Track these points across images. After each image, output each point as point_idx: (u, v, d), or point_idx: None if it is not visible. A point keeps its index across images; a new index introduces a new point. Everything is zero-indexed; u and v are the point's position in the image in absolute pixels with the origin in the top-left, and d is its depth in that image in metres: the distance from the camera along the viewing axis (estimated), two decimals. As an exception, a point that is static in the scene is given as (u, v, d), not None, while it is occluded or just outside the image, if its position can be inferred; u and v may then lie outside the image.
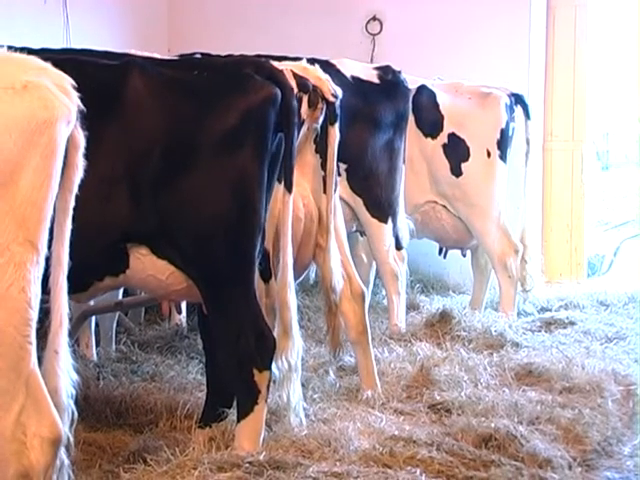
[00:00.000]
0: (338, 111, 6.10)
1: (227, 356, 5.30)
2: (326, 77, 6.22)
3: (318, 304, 8.55)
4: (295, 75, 6.11)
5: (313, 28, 10.31)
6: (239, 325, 5.15)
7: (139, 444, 5.36)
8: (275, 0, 10.72)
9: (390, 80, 7.77)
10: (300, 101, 6.09)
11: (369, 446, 5.23)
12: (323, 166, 6.19)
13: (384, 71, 7.82)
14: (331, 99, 6.13)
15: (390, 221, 7.83)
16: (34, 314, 3.78)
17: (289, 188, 5.37)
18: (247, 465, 4.83)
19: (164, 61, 5.57)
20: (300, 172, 6.25)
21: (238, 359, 5.19)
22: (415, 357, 7.09)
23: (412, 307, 8.74)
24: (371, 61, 9.63)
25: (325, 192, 6.20)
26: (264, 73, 5.26)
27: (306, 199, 6.29)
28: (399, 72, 7.84)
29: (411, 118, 8.20)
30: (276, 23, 10.47)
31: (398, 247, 7.97)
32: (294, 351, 5.41)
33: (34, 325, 3.78)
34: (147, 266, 5.09)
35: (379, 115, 7.61)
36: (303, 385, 6.44)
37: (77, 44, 9.25)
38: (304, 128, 6.16)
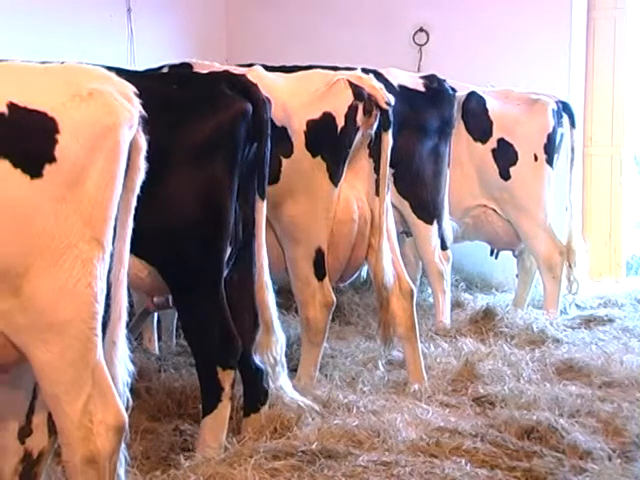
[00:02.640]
0: (391, 118, 6.10)
1: (193, 354, 5.33)
2: (380, 86, 6.25)
3: (367, 301, 8.55)
4: (351, 84, 6.13)
5: (362, 39, 10.32)
6: (205, 325, 5.14)
7: (195, 432, 5.36)
8: (327, 12, 10.72)
9: (435, 88, 7.75)
10: (356, 109, 6.12)
11: (416, 437, 5.21)
12: (376, 170, 6.20)
13: (429, 80, 7.80)
14: (385, 107, 6.16)
15: (435, 223, 7.81)
16: (100, 308, 3.79)
17: (262, 195, 5.34)
18: (300, 454, 4.82)
19: (144, 74, 5.58)
20: (355, 176, 6.28)
21: (203, 357, 5.20)
22: (460, 352, 7.06)
23: (457, 305, 8.69)
24: (418, 70, 9.60)
25: (378, 195, 6.20)
26: (237, 87, 5.26)
27: (360, 201, 6.31)
28: (444, 80, 7.83)
29: (461, 124, 8.18)
30: (327, 34, 10.48)
31: (443, 247, 7.95)
32: (277, 346, 5.41)
33: (100, 318, 3.80)
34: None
35: (425, 121, 7.60)
36: (353, 378, 6.48)
37: (140, 56, 9.34)
38: (359, 134, 6.19)
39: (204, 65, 7.11)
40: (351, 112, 6.16)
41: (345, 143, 6.21)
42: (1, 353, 3.83)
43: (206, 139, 5.08)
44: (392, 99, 6.25)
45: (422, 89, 7.70)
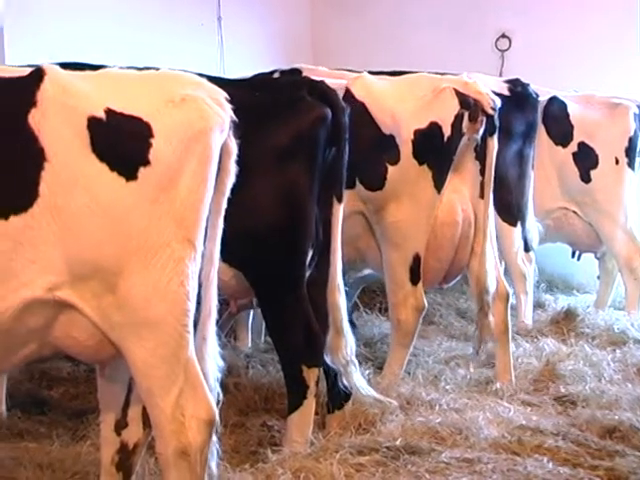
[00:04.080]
0: (497, 123, 6.05)
1: (278, 353, 5.34)
2: (486, 91, 6.19)
3: (449, 301, 8.51)
4: (457, 93, 6.09)
5: (445, 45, 10.28)
6: (289, 325, 5.15)
7: (282, 427, 5.38)
8: (410, 18, 10.69)
9: (520, 92, 7.67)
10: (462, 118, 6.09)
11: (498, 435, 5.16)
12: (481, 172, 6.15)
13: (514, 84, 7.73)
14: (490, 112, 6.11)
15: (519, 225, 7.74)
16: (192, 306, 3.82)
17: (339, 198, 5.31)
18: (385, 449, 4.81)
19: (230, 81, 5.60)
20: (460, 179, 6.26)
21: (288, 356, 5.22)
22: (541, 352, 6.99)
23: (538, 305, 8.61)
24: (500, 76, 9.51)
25: (482, 198, 6.16)
26: (317, 93, 5.25)
27: (465, 204, 6.28)
28: (528, 84, 7.74)
29: (542, 128, 8.10)
30: (410, 40, 10.46)
31: (526, 249, 7.88)
32: (347, 348, 5.37)
33: (191, 316, 3.83)
34: None
35: (510, 125, 7.51)
36: (436, 376, 6.44)
37: (229, 62, 9.43)
38: (464, 139, 6.15)
39: (313, 70, 7.13)
40: (457, 121, 6.14)
41: (451, 151, 6.20)
42: (98, 349, 3.88)
43: (287, 144, 5.10)
44: (498, 101, 6.20)
45: (507, 93, 7.63)
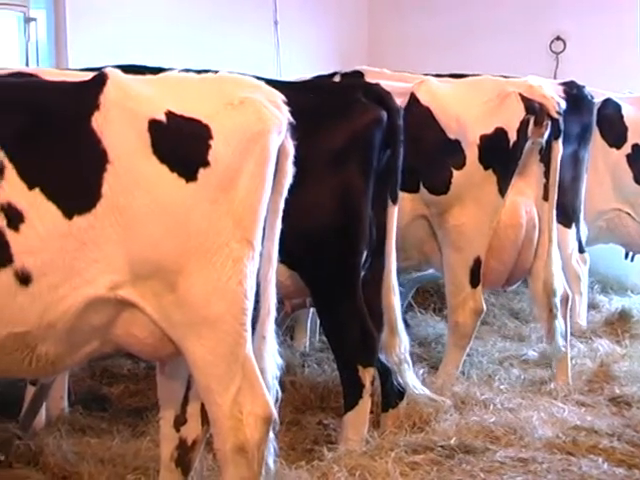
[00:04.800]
0: (562, 126, 6.02)
1: (334, 353, 5.34)
2: (551, 95, 6.15)
3: (502, 302, 8.46)
4: (523, 98, 6.05)
5: (500, 48, 10.22)
6: (344, 325, 5.15)
7: (338, 425, 5.39)
8: (465, 21, 10.65)
9: (575, 94, 7.58)
10: (527, 123, 6.05)
11: (552, 435, 5.12)
12: (545, 175, 6.13)
13: (569, 86, 7.64)
14: (555, 116, 6.07)
15: (574, 226, 7.66)
16: (249, 304, 3.83)
17: (394, 200, 5.30)
18: (439, 448, 4.79)
19: (287, 84, 5.61)
20: (524, 181, 6.23)
21: (343, 356, 5.21)
22: (595, 353, 6.94)
23: (592, 306, 8.51)
24: (554, 78, 9.42)
25: (546, 200, 6.12)
26: (372, 96, 5.24)
27: (528, 207, 6.26)
28: (583, 87, 7.66)
29: (596, 129, 8.01)
30: (465, 42, 10.43)
31: (581, 250, 7.80)
32: (402, 347, 5.36)
33: (250, 314, 3.84)
34: None
35: (565, 127, 7.44)
36: (490, 376, 6.40)
37: (286, 65, 9.47)
38: (529, 142, 6.12)
39: (374, 72, 7.13)
40: (523, 126, 6.12)
41: (516, 156, 6.19)
42: (158, 346, 3.91)
43: (343, 146, 5.10)
44: (563, 105, 6.16)
45: (562, 95, 7.56)
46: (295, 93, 5.11)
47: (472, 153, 6.09)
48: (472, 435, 5.03)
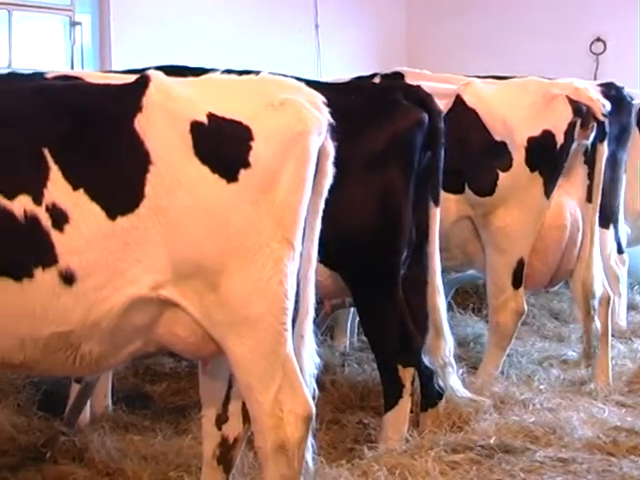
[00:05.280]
0: (607, 129, 5.98)
1: (374, 353, 5.32)
2: (597, 97, 6.10)
3: (542, 302, 8.40)
4: (570, 100, 6.01)
5: (539, 49, 10.16)
6: (385, 325, 5.13)
7: (377, 424, 5.37)
8: (504, 22, 10.62)
9: (614, 96, 7.50)
10: (574, 125, 6.02)
11: (593, 435, 5.06)
12: (589, 176, 6.12)
13: (608, 87, 7.55)
14: (601, 118, 6.03)
15: (612, 227, 7.58)
16: (290, 304, 3.83)
17: (436, 201, 5.28)
18: (479, 448, 4.76)
19: (328, 85, 5.59)
20: (568, 182, 6.21)
21: (384, 356, 5.19)
22: (635, 354, 6.90)
23: (631, 307, 8.44)
24: (594, 79, 9.35)
25: (590, 201, 6.07)
26: (413, 98, 5.22)
27: (573, 208, 6.21)
28: (622, 88, 7.58)
29: (635, 130, 7.92)
30: (504, 43, 10.40)
31: (619, 251, 7.73)
32: (446, 349, 5.35)
33: (290, 314, 3.83)
34: None
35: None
36: (529, 376, 6.36)
37: (326, 67, 9.47)
38: (574, 145, 6.08)
39: (415, 74, 7.11)
40: (570, 129, 6.09)
41: (562, 158, 6.16)
42: (200, 346, 3.91)
43: (384, 147, 5.08)
44: (609, 107, 6.12)
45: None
46: (337, 94, 5.12)
47: (519, 155, 6.06)
48: (512, 435, 4.99)
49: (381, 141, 5.09)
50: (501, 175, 6.05)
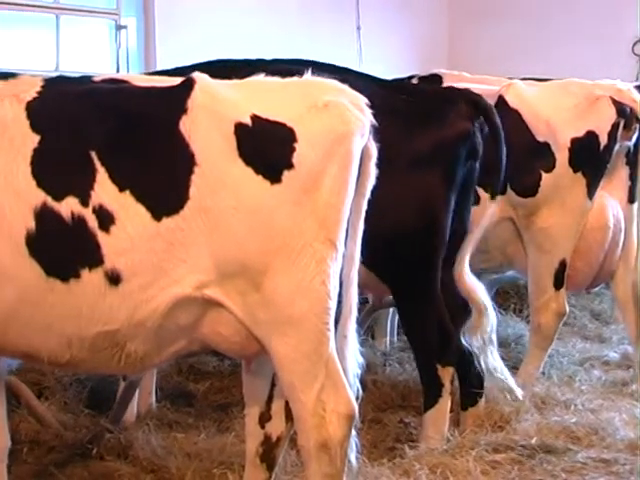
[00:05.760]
0: None
1: (414, 352, 5.31)
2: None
3: (583, 303, 8.32)
4: (614, 102, 5.99)
5: (581, 51, 10.07)
6: (424, 325, 5.11)
7: (418, 423, 5.35)
8: (546, 24, 10.55)
9: None
10: (618, 126, 5.98)
11: (634, 436, 5.02)
12: (631, 177, 6.12)
13: (648, 89, 7.50)
14: None
15: None
16: (332, 304, 3.82)
17: (493, 196, 5.33)
18: (520, 448, 4.74)
19: (381, 82, 5.56)
20: (610, 183, 6.18)
21: (423, 355, 5.17)
22: (678, 355, 6.76)
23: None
24: (637, 80, 9.27)
25: (632, 202, 6.07)
26: (466, 100, 5.20)
27: (615, 209, 6.17)
28: (661, 89, 7.52)
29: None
30: (546, 46, 10.32)
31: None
32: (487, 327, 5.32)
33: (332, 314, 3.83)
34: None
35: None
36: (570, 377, 6.31)
37: (367, 69, 9.44)
38: (617, 146, 6.04)
39: (453, 75, 7.09)
40: (614, 130, 6.06)
41: (606, 159, 6.13)
42: (244, 345, 3.92)
43: (428, 153, 5.06)
44: None
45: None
46: (390, 94, 5.11)
47: (562, 156, 6.03)
48: (553, 435, 4.96)
49: (427, 147, 5.07)
50: (544, 176, 6.02)
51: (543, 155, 5.99)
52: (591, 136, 6.03)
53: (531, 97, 6.07)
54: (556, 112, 6.06)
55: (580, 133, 6.03)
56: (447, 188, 5.07)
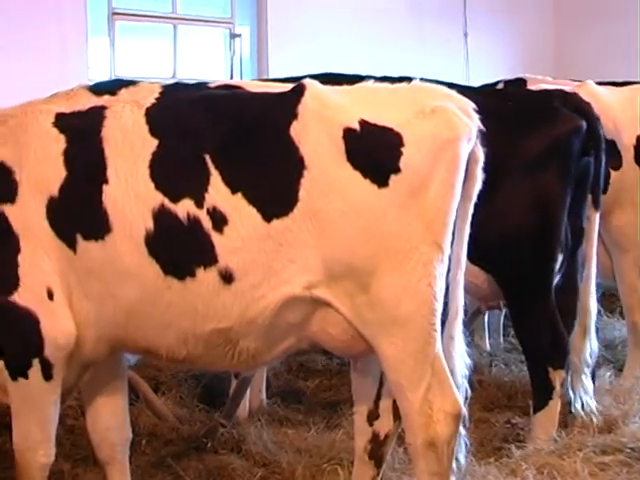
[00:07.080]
0: None
1: (525, 355, 5.24)
2: None
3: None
4: None
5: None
6: (537, 328, 5.03)
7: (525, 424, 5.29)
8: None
9: None
10: None
11: None
12: None
13: None
14: None
15: None
16: (439, 305, 3.79)
17: (596, 206, 5.20)
18: (629, 450, 4.64)
19: (483, 91, 5.50)
20: None
21: (535, 358, 5.09)
22: None
23: None
24: None
25: None
26: (571, 105, 5.13)
27: None
28: None
29: None
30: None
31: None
32: (587, 352, 5.24)
33: (439, 315, 3.80)
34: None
35: None
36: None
37: (474, 74, 9.40)
38: None
39: (536, 80, 7.00)
40: None
41: None
42: (351, 344, 3.92)
43: (542, 153, 5.01)
44: None
45: None
46: (496, 101, 5.07)
47: (628, 154, 6.03)
48: (662, 438, 4.83)
49: (540, 146, 5.02)
50: (612, 174, 5.95)
51: (610, 153, 5.88)
52: None
53: (602, 96, 6.04)
54: (624, 110, 6.05)
55: None
56: (563, 187, 5.02)
